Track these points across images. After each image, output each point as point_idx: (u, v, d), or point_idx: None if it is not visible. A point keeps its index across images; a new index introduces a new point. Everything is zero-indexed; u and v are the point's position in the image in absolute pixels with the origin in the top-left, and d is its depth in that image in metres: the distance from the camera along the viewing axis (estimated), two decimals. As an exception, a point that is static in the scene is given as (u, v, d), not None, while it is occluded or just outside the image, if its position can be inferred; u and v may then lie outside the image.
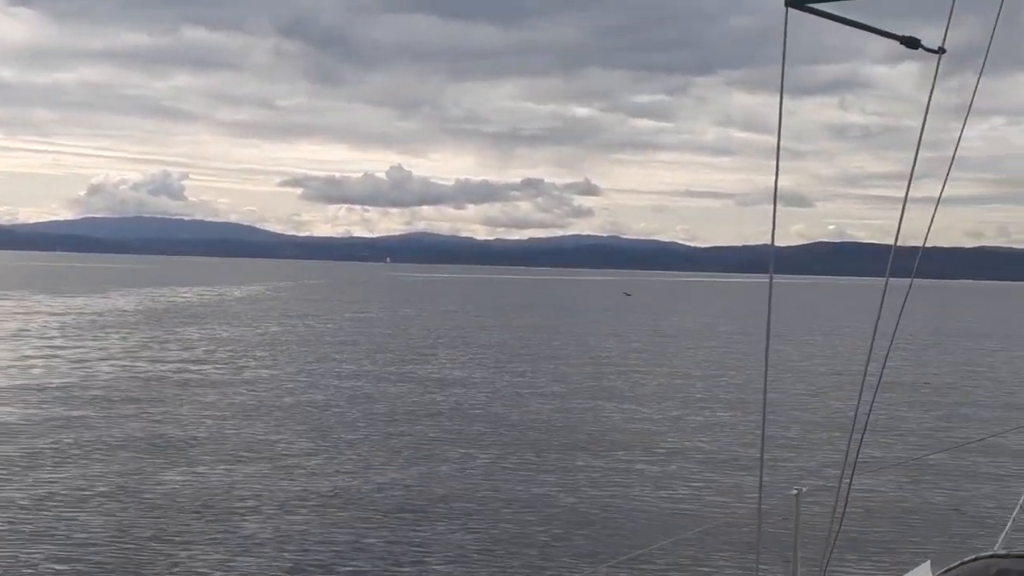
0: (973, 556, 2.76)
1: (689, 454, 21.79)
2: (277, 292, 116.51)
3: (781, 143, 4.35)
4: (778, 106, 4.48)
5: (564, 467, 19.83)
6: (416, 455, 20.59)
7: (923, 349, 51.81)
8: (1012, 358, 48.83)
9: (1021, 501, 5.08)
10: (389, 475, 18.70)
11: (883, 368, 4.57)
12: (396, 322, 66.26)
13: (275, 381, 32.47)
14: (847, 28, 4.81)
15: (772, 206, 4.40)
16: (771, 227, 4.39)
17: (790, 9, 4.50)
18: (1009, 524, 4.91)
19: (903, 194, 5.16)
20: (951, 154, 5.06)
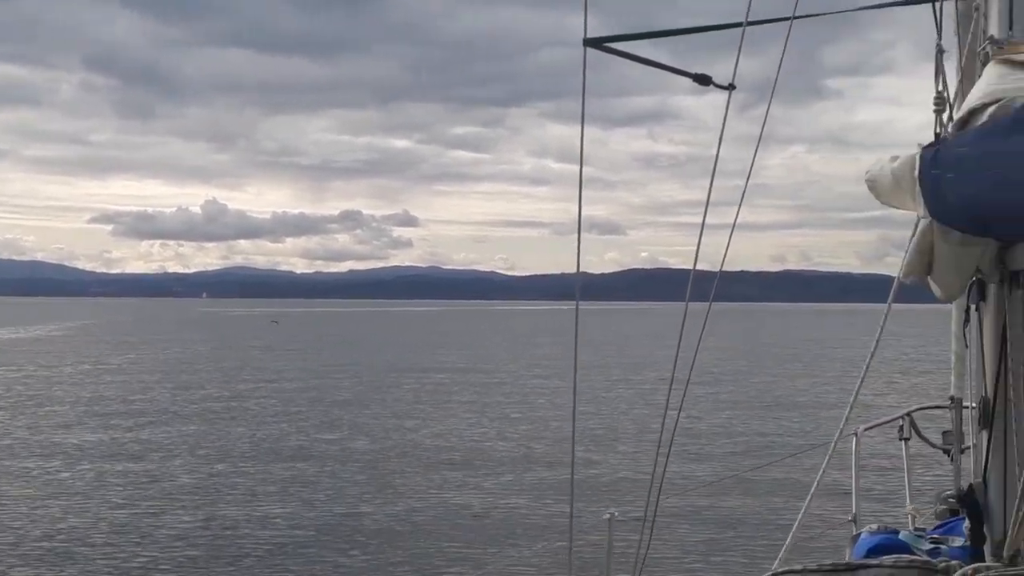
0: (771, 573, 2.89)
1: (501, 481, 22.11)
2: (66, 333, 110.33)
3: (593, 174, 4.54)
4: (589, 137, 4.66)
5: (372, 497, 19.73)
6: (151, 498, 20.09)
7: (729, 372, 53.75)
8: (813, 382, 51.02)
9: (799, 517, 5.34)
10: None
11: (685, 391, 4.78)
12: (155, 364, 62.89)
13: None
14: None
15: (587, 234, 4.58)
16: (585, 255, 4.57)
17: (588, 48, 4.69)
18: (788, 539, 5.14)
19: (711, 221, 5.43)
20: (755, 181, 5.34)
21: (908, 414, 6.52)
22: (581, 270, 4.61)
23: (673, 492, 16.42)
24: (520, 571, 14.04)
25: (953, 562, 2.86)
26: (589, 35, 4.71)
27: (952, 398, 4.82)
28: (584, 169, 4.57)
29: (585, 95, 4.59)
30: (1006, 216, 2.67)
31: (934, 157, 2.97)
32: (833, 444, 5.27)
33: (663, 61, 5.30)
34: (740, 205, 5.23)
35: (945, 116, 3.46)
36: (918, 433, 6.47)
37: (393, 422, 31.90)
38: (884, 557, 2.94)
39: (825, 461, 5.12)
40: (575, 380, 4.97)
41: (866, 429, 6.79)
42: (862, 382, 4.75)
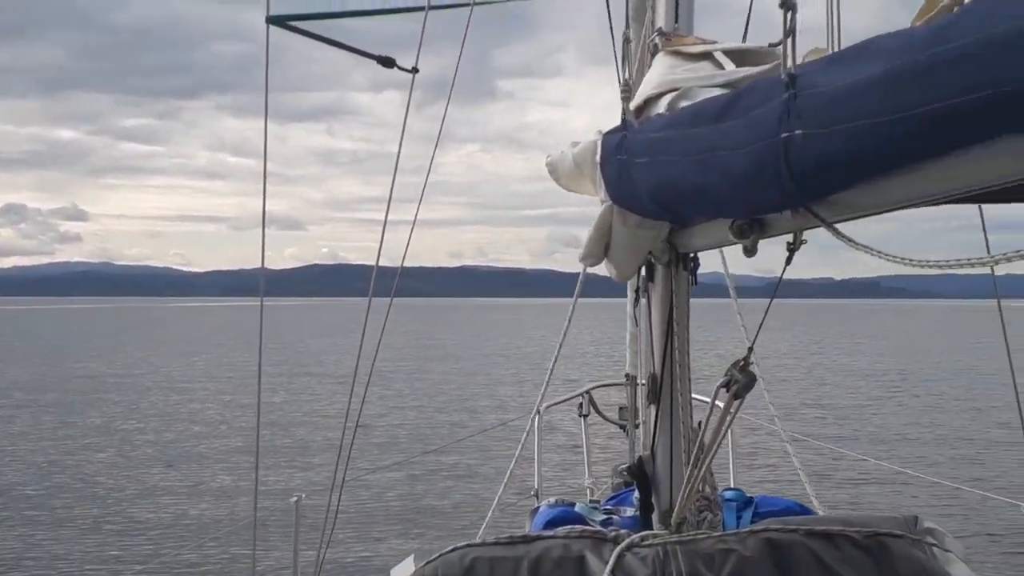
0: (452, 547, 2.90)
1: (185, 467, 21.66)
2: None
3: (273, 168, 4.42)
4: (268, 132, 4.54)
5: (49, 505, 18.49)
6: None
7: (410, 364, 54.30)
8: (494, 370, 52.31)
9: (498, 495, 5.48)
10: None
11: (369, 380, 4.81)
12: None
13: None
14: (332, 55, 4.96)
15: (267, 229, 4.47)
16: (265, 250, 4.49)
17: (271, 27, 4.58)
18: (489, 515, 5.28)
19: (395, 217, 5.46)
20: (433, 178, 5.40)
21: (588, 392, 6.79)
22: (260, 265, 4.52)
23: (361, 475, 16.43)
24: (211, 552, 13.83)
25: (623, 531, 2.98)
26: (272, 13, 4.60)
27: (628, 375, 5.05)
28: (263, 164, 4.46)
29: (271, 84, 4.47)
30: (681, 201, 2.80)
31: (619, 143, 3.06)
32: (530, 422, 5.44)
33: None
34: (420, 202, 5.33)
35: (630, 104, 3.61)
36: (596, 410, 6.75)
37: (62, 431, 29.91)
38: (558, 529, 3.02)
39: (524, 437, 5.29)
40: (260, 373, 4.87)
41: (548, 407, 7.02)
42: (554, 365, 4.91)
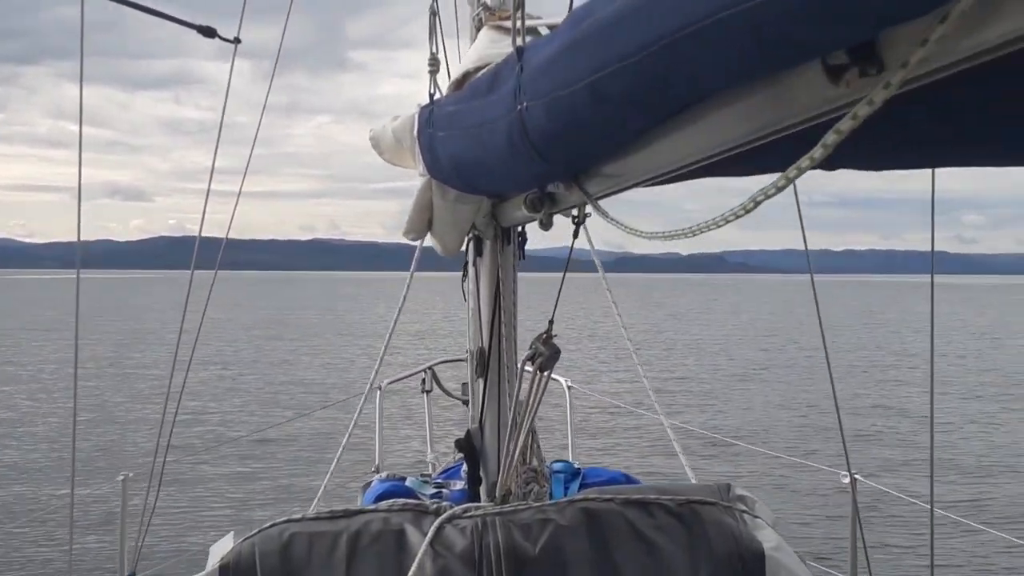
0: (271, 523, 2.86)
1: (16, 447, 20.75)
2: None
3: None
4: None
5: None
6: None
7: (249, 337, 53.30)
8: (339, 345, 51.83)
9: (331, 468, 5.48)
10: None
11: (191, 357, 4.75)
12: None
13: None
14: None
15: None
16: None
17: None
18: (320, 491, 5.27)
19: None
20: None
21: (430, 367, 6.80)
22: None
23: (191, 455, 16.32)
24: (35, 532, 13.40)
25: (444, 504, 2.99)
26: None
27: (469, 351, 5.10)
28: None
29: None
30: (473, 174, 2.81)
31: (428, 116, 3.05)
32: (363, 398, 5.42)
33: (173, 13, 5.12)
34: (245, 173, 5.24)
35: (439, 77, 3.60)
36: (439, 385, 6.77)
37: None
38: (381, 503, 3.01)
39: (356, 414, 5.27)
40: (76, 351, 4.72)
41: (390, 383, 7.01)
42: (389, 340, 4.90)
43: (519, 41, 2.16)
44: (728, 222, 1.51)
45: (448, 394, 6.75)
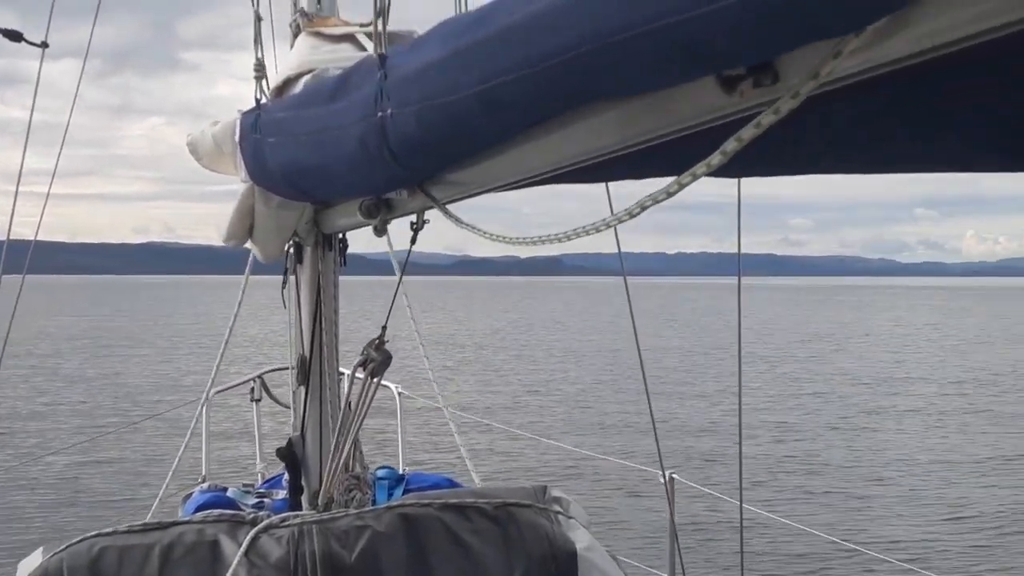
0: (81, 537, 2.79)
1: None
2: None
3: None
4: None
5: None
6: None
7: (66, 347, 51.20)
8: (169, 355, 50.22)
9: (166, 483, 5.33)
10: None
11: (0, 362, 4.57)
12: None
13: None
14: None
15: None
16: None
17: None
18: (155, 504, 5.14)
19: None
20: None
21: (260, 376, 6.70)
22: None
23: (12, 466, 15.92)
24: None
25: (261, 513, 2.97)
26: None
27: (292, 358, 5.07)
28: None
29: None
30: (307, 181, 2.81)
31: (254, 122, 3.03)
32: (201, 407, 5.29)
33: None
34: (55, 172, 5.07)
35: (264, 83, 3.57)
36: (269, 394, 6.66)
37: None
38: (197, 513, 2.97)
39: (193, 424, 5.13)
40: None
41: (218, 392, 6.88)
42: (224, 349, 4.80)
43: (381, 48, 2.17)
44: (610, 227, 1.55)
45: (277, 402, 6.67)
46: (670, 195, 1.32)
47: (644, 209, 1.39)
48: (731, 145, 1.18)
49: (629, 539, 12.09)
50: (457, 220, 2.22)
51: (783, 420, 24.33)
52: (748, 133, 1.16)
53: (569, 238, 1.71)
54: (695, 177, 1.26)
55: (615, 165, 1.86)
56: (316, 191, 3.00)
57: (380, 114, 2.07)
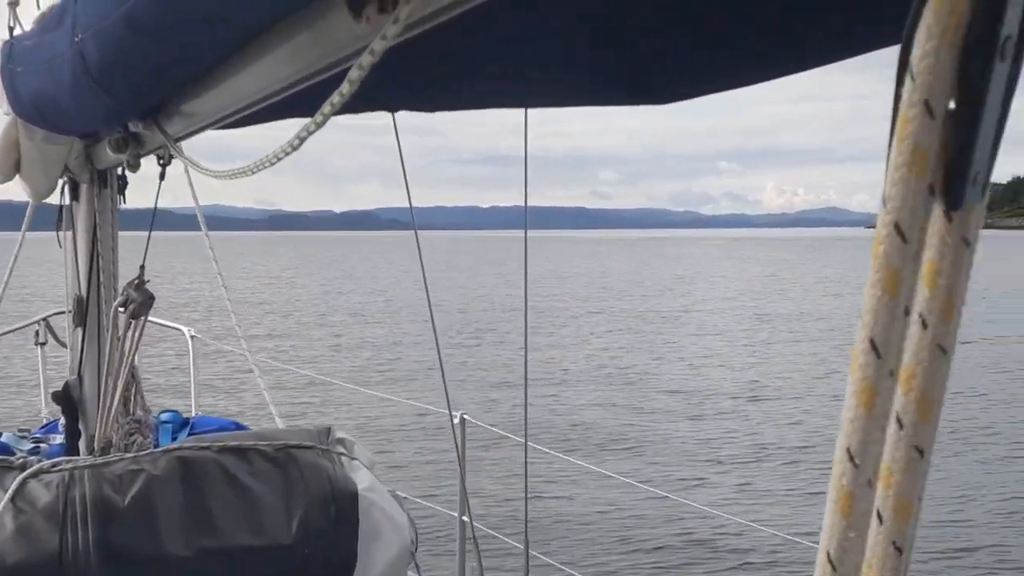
0: None
1: None
2: None
3: None
4: None
5: None
6: None
7: None
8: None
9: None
10: None
11: None
12: None
13: None
14: None
15: None
16: None
17: None
18: None
19: None
20: None
21: (45, 319, 6.43)
22: None
23: None
24: None
25: (32, 458, 2.86)
26: None
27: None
28: None
29: None
30: (52, 112, 2.68)
31: (9, 51, 2.87)
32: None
33: None
34: None
35: (19, 9, 3.40)
36: (54, 336, 6.39)
37: None
38: None
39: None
40: None
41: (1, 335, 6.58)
42: (3, 291, 4.56)
43: None
44: (279, 159, 1.56)
45: (63, 345, 6.42)
46: (319, 126, 1.33)
47: (302, 140, 1.40)
48: (355, 73, 1.17)
49: (422, 479, 12.42)
50: (180, 154, 2.18)
51: (566, 368, 25.23)
52: (366, 60, 1.15)
53: (253, 171, 1.73)
54: (334, 106, 1.25)
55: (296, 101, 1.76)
56: (61, 123, 2.86)
57: (76, 39, 1.98)
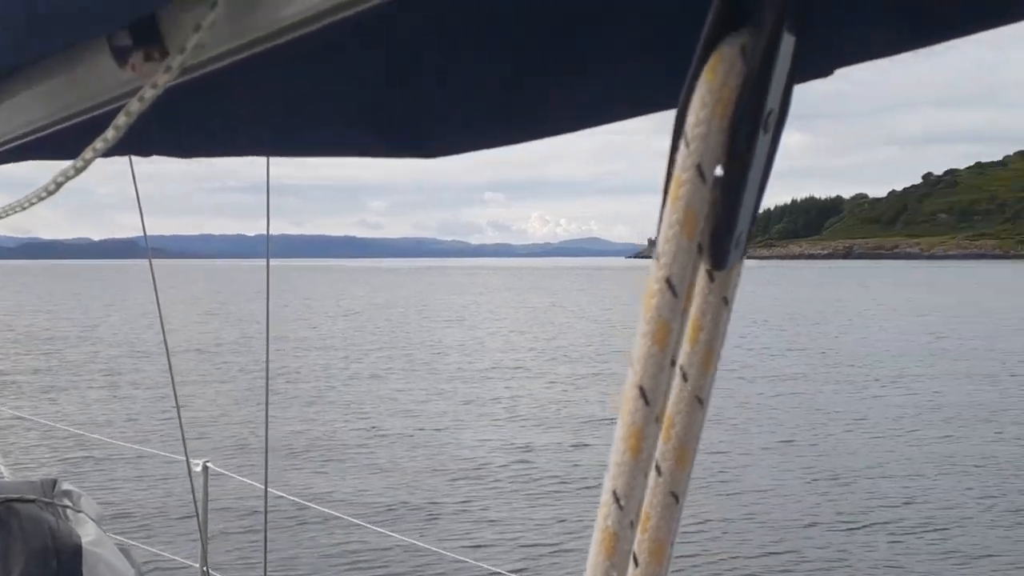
0: None
1: None
2: None
3: None
4: None
5: None
6: None
7: None
8: None
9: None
10: None
11: None
12: None
13: None
14: None
15: None
16: None
17: None
18: None
19: None
20: None
21: None
22: None
23: None
24: None
25: None
26: None
27: None
28: None
29: None
30: None
31: None
32: None
33: None
34: None
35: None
36: None
37: None
38: None
39: None
40: None
41: None
42: None
43: None
44: (32, 204, 1.52)
45: None
46: (78, 171, 1.30)
47: (59, 186, 1.35)
48: (122, 119, 1.16)
49: (162, 528, 12.06)
50: None
51: (311, 401, 25.00)
52: (134, 107, 1.15)
53: (3, 216, 1.69)
54: (96, 152, 1.24)
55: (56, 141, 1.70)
56: None
57: None
